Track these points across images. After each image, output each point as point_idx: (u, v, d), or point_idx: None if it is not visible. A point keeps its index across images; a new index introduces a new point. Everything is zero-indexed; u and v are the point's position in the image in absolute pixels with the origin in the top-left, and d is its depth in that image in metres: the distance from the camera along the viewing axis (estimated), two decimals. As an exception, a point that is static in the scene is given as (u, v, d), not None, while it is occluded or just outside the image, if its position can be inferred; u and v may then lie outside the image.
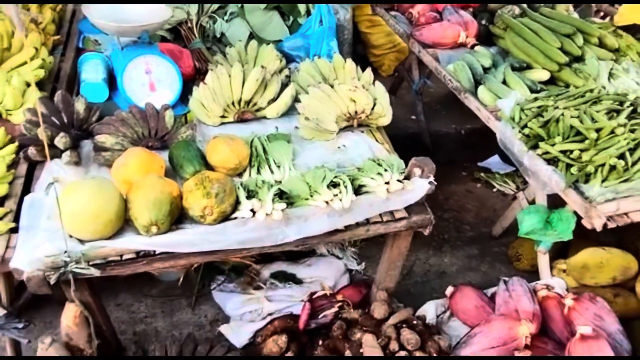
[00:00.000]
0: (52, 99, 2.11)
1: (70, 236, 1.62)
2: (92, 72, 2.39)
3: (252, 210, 1.67)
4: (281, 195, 1.76)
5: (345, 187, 1.76)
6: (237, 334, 2.21)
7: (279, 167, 1.96)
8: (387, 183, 1.80)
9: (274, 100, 2.28)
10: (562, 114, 2.11)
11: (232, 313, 2.32)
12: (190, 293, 2.49)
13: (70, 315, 1.75)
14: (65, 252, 1.58)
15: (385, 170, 1.85)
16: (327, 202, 1.73)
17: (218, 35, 2.79)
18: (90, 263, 1.61)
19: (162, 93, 2.30)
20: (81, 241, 1.63)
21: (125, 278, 2.47)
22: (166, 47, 2.48)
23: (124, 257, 1.66)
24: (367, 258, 2.69)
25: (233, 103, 2.23)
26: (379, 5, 3.33)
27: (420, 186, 1.82)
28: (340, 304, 2.24)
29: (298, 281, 2.41)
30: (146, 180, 1.69)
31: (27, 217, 1.72)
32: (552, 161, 2.06)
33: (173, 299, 2.49)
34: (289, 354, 2.04)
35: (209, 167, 1.90)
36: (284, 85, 2.32)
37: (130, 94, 2.25)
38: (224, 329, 2.26)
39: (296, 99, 2.27)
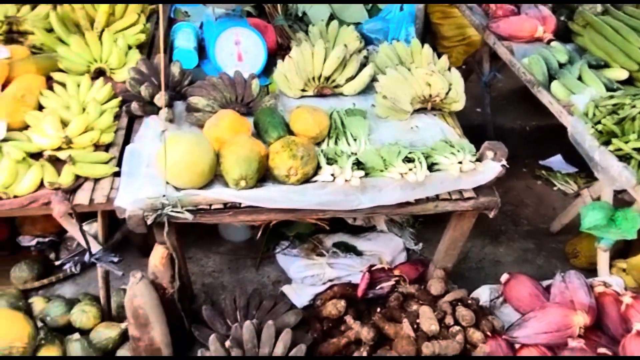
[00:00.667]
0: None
1: (167, 183, 1.80)
2: (184, 39, 2.58)
3: (332, 175, 1.79)
4: (358, 165, 1.88)
5: (420, 162, 1.86)
6: (299, 295, 2.36)
7: (355, 140, 2.07)
8: (460, 163, 1.88)
9: (352, 78, 2.39)
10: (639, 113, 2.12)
11: (295, 276, 2.46)
12: (255, 255, 2.66)
13: (158, 255, 1.93)
14: (164, 196, 1.76)
15: (458, 151, 1.93)
16: (401, 175, 1.83)
17: (300, 15, 2.92)
18: (184, 209, 1.78)
19: (248, 63, 2.46)
20: (176, 188, 1.81)
21: (196, 235, 2.71)
22: (252, 22, 2.63)
23: (213, 207, 1.82)
24: (424, 240, 2.78)
25: (314, 78, 2.35)
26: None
27: (492, 168, 1.89)
28: (397, 278, 2.34)
29: (358, 253, 2.53)
30: (237, 139, 1.85)
31: (128, 164, 1.92)
32: (624, 158, 2.08)
33: (239, 258, 2.66)
34: (347, 317, 2.16)
35: (291, 133, 2.04)
36: (362, 65, 2.43)
37: (219, 62, 2.41)
38: (286, 289, 2.41)
39: (373, 79, 2.38)
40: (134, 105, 2.08)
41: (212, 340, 1.93)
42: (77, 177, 1.83)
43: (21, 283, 2.35)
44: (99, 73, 2.34)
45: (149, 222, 1.77)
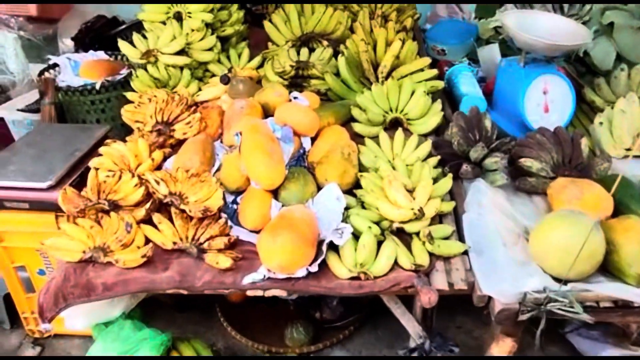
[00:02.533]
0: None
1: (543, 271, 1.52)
2: (468, 85, 2.32)
3: None
4: None
5: None
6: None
7: None
8: None
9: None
10: None
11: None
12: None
13: (506, 349, 1.65)
14: (551, 290, 1.47)
15: None
16: None
17: (581, 54, 2.57)
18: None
19: (555, 115, 2.15)
20: (555, 279, 1.52)
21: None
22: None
23: (601, 304, 1.51)
24: None
25: (645, 136, 1.99)
26: None
27: None
28: None
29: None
30: (629, 222, 1.52)
31: (472, 239, 1.66)
32: None
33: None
34: None
35: None
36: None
37: (527, 115, 2.12)
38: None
39: None
40: (466, 169, 1.83)
41: None
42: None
43: (298, 346, 2.19)
44: (393, 124, 2.14)
45: (523, 317, 1.50)
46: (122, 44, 2.31)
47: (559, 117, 2.15)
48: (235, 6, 2.61)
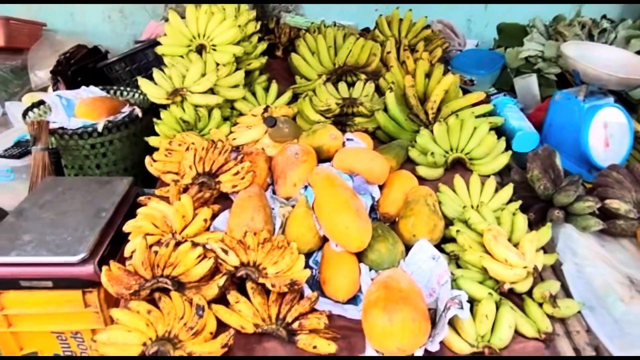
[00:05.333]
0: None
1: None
2: (517, 119, 2.21)
3: None
4: None
5: None
6: None
7: None
8: None
9: None
10: None
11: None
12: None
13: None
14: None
15: None
16: None
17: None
18: None
19: (613, 149, 2.07)
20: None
21: None
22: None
23: None
24: None
25: None
26: None
27: None
28: None
29: None
30: None
31: (579, 293, 1.52)
32: None
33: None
34: None
35: None
36: None
37: (591, 150, 2.03)
38: None
39: None
40: (557, 215, 1.69)
41: None
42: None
43: None
44: (454, 163, 1.98)
45: (662, 382, 1.36)
46: (144, 83, 2.01)
47: (618, 151, 2.08)
48: (255, 37, 2.37)
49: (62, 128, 2.29)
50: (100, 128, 2.25)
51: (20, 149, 2.53)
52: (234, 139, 1.99)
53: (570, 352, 1.38)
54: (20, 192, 2.22)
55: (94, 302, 1.65)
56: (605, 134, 2.06)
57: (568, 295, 1.54)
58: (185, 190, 1.77)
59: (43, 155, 2.26)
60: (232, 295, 1.39)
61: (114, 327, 1.36)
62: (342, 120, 2.09)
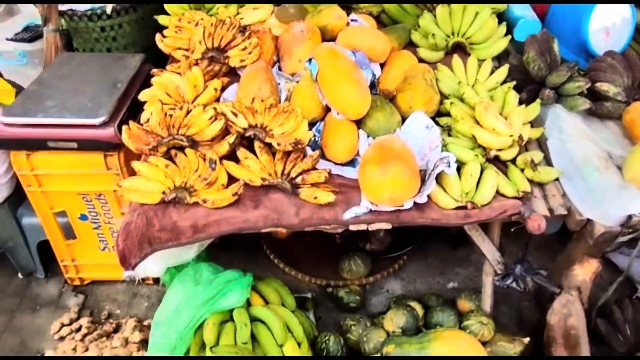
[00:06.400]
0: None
1: (642, 194, 1.53)
2: (523, 8, 2.23)
3: None
4: None
5: None
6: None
7: None
8: None
9: None
10: None
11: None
12: None
13: (591, 270, 1.70)
14: (649, 211, 1.49)
15: None
16: None
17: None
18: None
19: (613, 39, 2.11)
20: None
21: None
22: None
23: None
24: None
25: None
26: None
27: None
28: None
29: None
30: None
31: (559, 164, 1.65)
32: None
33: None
34: None
35: None
36: None
37: (591, 40, 2.07)
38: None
39: None
40: (548, 94, 1.78)
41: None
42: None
43: (357, 278, 2.17)
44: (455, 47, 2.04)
45: (623, 239, 1.53)
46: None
47: (618, 41, 2.12)
48: None
49: (71, 10, 2.32)
50: (108, 10, 2.29)
51: (30, 33, 2.58)
52: (242, 18, 2.04)
53: (545, 212, 1.54)
54: (33, 78, 2.30)
55: (115, 165, 1.80)
56: (606, 22, 2.09)
57: (549, 165, 1.68)
58: (196, 65, 1.86)
59: (55, 36, 2.33)
60: (242, 152, 1.54)
61: (136, 177, 1.52)
62: (347, 4, 2.13)
